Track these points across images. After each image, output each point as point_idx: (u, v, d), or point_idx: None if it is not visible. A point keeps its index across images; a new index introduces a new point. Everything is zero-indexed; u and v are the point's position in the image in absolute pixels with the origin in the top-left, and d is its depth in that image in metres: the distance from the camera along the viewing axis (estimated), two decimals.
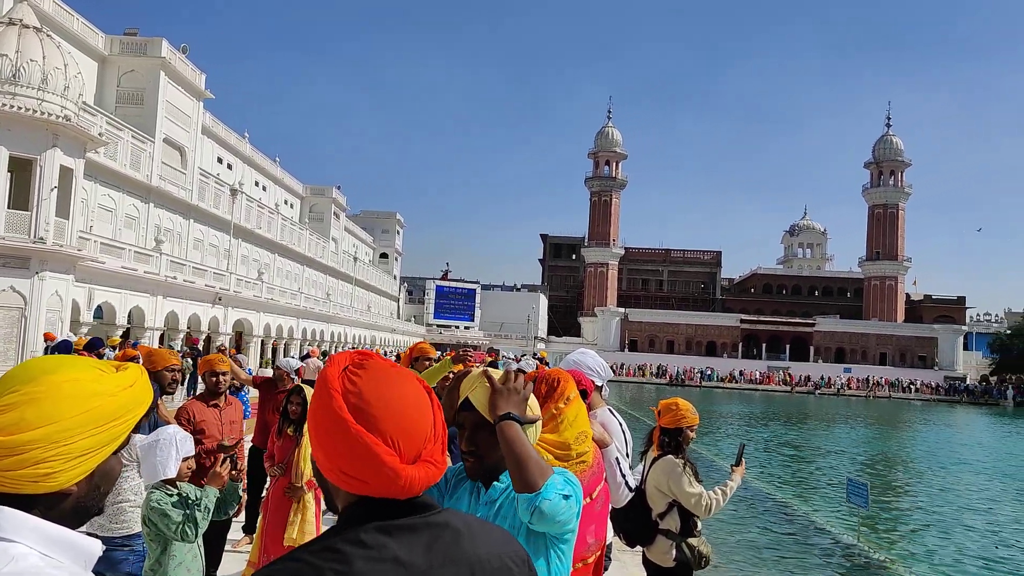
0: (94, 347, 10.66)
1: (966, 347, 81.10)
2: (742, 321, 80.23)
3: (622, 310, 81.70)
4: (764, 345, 78.19)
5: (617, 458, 3.32)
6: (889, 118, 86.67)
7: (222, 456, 3.82)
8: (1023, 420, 48.49)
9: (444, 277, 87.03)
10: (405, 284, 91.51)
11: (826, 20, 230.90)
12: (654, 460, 4.27)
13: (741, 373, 72.03)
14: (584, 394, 3.51)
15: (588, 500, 2.35)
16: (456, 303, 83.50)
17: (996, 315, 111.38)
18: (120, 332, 24.86)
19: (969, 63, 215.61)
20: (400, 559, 1.06)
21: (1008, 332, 78.46)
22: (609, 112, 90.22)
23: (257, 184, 53.72)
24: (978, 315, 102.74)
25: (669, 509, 4.21)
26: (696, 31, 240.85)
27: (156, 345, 25.33)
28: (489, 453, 1.80)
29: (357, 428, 1.11)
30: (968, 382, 72.65)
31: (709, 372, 72.11)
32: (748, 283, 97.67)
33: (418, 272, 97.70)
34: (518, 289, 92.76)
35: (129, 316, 26.29)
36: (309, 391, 5.38)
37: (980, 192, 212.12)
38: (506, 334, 79.07)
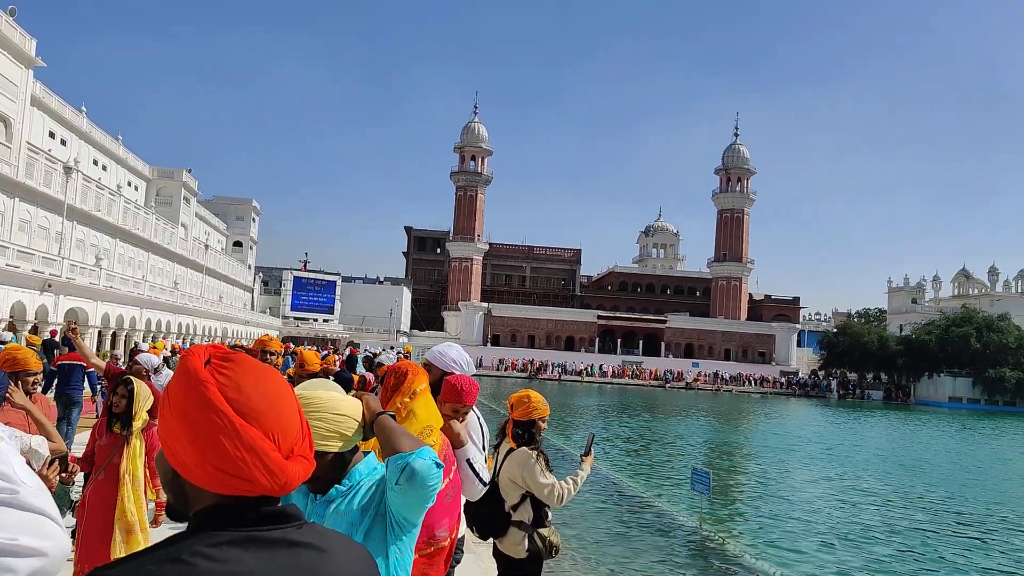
0: None
1: (799, 344, 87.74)
2: (599, 317, 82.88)
3: (486, 305, 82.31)
4: (619, 340, 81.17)
5: (469, 460, 3.31)
6: (737, 128, 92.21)
7: (48, 459, 3.40)
8: (844, 411, 53.02)
9: (303, 268, 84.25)
10: (261, 274, 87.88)
11: (685, 36, 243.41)
12: (508, 452, 4.28)
13: (600, 367, 74.43)
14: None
15: None
16: (315, 295, 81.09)
17: (825, 315, 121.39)
18: None
19: (806, 86, 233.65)
20: None
21: (834, 331, 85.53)
22: (475, 108, 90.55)
23: (96, 163, 49.84)
24: (810, 314, 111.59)
25: (522, 500, 4.24)
26: (554, 34, 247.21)
27: None
28: (323, 475, 1.76)
29: (240, 422, 1.05)
30: (800, 376, 78.61)
31: (568, 366, 73.99)
32: (606, 281, 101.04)
33: (275, 262, 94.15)
34: (381, 282, 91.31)
35: None
36: (139, 384, 4.94)
37: (814, 201, 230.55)
38: (368, 328, 77.69)
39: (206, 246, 64.74)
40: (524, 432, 4.28)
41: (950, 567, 11.04)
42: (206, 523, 1.05)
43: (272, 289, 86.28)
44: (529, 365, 73.25)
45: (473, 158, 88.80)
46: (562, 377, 70.92)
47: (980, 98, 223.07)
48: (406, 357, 12.96)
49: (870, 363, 76.05)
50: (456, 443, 3.19)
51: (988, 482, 20.80)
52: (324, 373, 8.14)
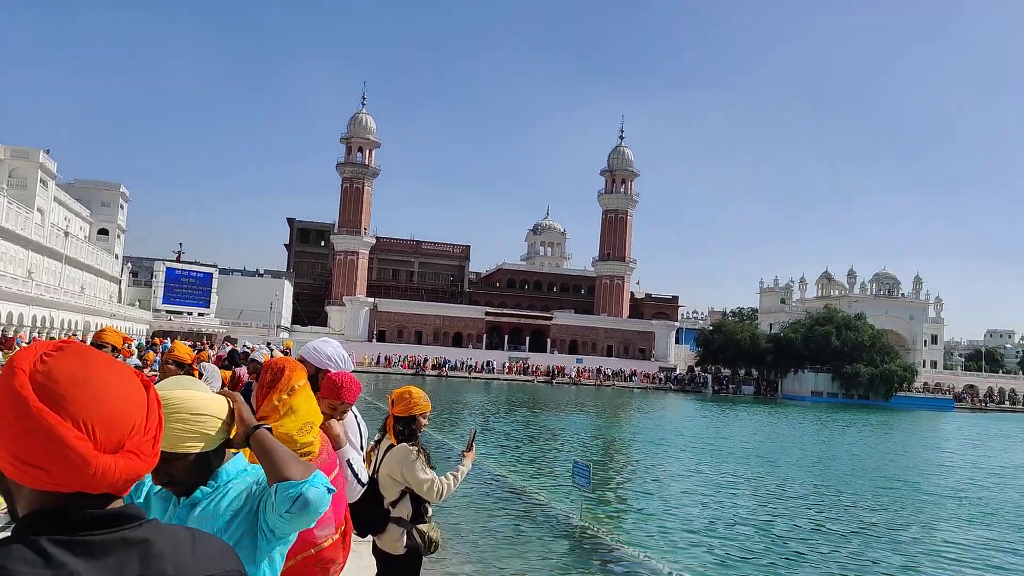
0: None
1: (678, 341, 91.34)
2: (487, 314, 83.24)
3: (372, 300, 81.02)
4: (507, 337, 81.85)
5: (349, 460, 3.25)
6: (623, 131, 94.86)
7: None
8: (718, 405, 55.66)
9: (177, 259, 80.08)
10: (129, 265, 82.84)
11: (573, 41, 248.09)
12: (388, 449, 4.22)
13: (489, 364, 74.73)
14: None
15: None
16: (189, 287, 77.20)
17: (702, 313, 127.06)
18: None
19: (686, 92, 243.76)
20: None
21: (710, 329, 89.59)
22: (363, 99, 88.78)
23: None
24: (688, 313, 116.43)
25: (401, 497, 4.19)
26: (443, 31, 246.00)
27: None
28: (185, 477, 1.69)
29: (39, 406, 0.98)
30: (678, 372, 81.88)
31: (456, 362, 73.91)
32: (494, 277, 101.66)
33: (147, 252, 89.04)
34: (261, 275, 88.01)
35: None
36: None
37: (694, 204, 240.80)
38: (246, 322, 74.76)
39: (66, 233, 60.36)
40: (404, 428, 4.23)
41: (809, 550, 11.71)
42: (29, 526, 0.98)
43: (143, 281, 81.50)
44: (416, 361, 72.73)
45: (360, 149, 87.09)
46: (449, 373, 70.77)
47: (839, 106, 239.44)
48: (285, 353, 12.48)
49: (742, 359, 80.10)
50: (335, 443, 3.11)
51: (839, 471, 22.28)
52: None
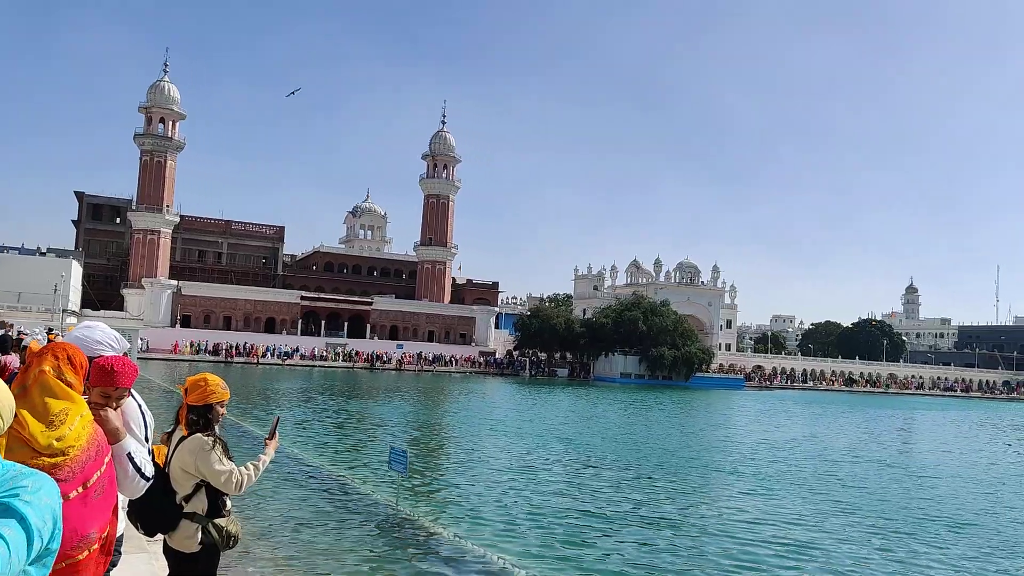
0: None
1: (497, 326, 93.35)
2: (303, 298, 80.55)
3: (175, 283, 75.64)
4: (324, 322, 79.67)
5: (130, 453, 3.00)
6: (444, 116, 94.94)
7: None
8: (534, 388, 57.51)
9: None
10: None
11: (393, 22, 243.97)
12: (180, 440, 4.00)
13: (300, 350, 72.29)
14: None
15: (82, 489, 2.14)
16: None
17: (521, 299, 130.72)
18: None
19: (507, 80, 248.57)
20: None
21: (528, 314, 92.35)
22: (166, 66, 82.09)
23: None
24: (507, 298, 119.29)
25: (196, 491, 3.98)
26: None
27: None
28: None
29: None
30: (497, 356, 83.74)
31: (269, 349, 70.97)
32: (310, 260, 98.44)
33: None
34: (43, 253, 79.19)
35: None
36: None
37: (515, 190, 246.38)
38: (25, 306, 67.00)
39: None
40: (199, 418, 4.02)
41: (622, 524, 12.29)
42: None
43: None
44: (224, 348, 68.95)
45: (163, 120, 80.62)
46: (260, 361, 67.76)
47: (645, 99, 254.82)
48: (50, 339, 11.22)
49: (558, 343, 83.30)
50: (113, 438, 2.85)
51: (644, 450, 23.75)
52: None
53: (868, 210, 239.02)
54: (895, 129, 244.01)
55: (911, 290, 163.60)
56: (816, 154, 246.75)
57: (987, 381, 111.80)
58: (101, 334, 3.33)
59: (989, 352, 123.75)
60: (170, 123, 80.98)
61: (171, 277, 77.96)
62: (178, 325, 72.61)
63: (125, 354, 3.32)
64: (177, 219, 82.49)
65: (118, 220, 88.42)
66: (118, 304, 78.29)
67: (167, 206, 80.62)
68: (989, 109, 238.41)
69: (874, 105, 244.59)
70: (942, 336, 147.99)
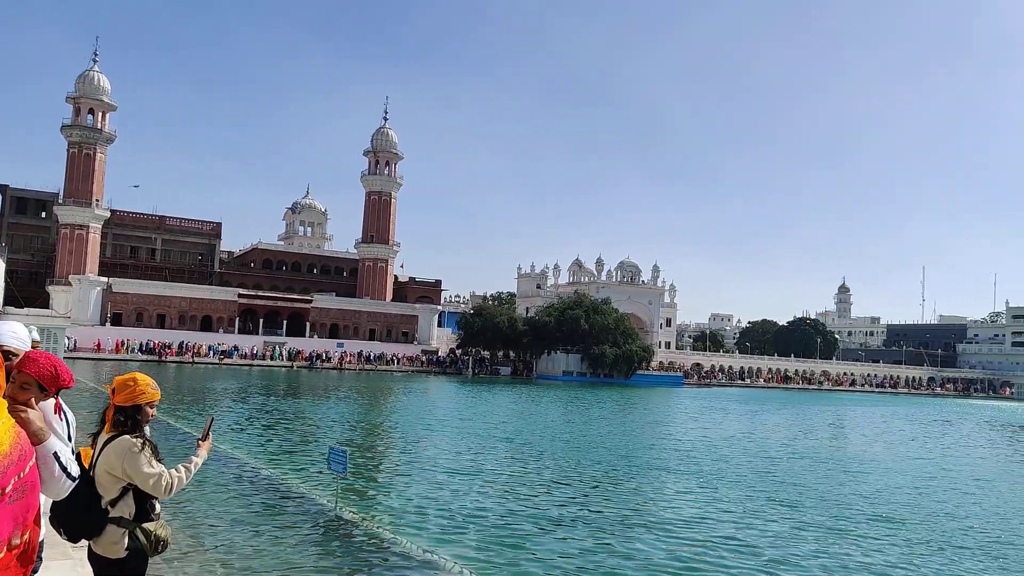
0: None
1: (440, 324, 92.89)
2: (241, 296, 78.77)
3: (105, 280, 73.08)
4: (262, 320, 78.09)
5: (56, 452, 2.92)
6: (387, 113, 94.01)
7: None
8: (477, 386, 57.49)
9: None
10: None
11: (335, 17, 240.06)
12: (106, 442, 3.87)
13: (238, 349, 70.72)
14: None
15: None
16: None
17: (464, 297, 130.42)
18: None
19: (453, 78, 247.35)
20: None
21: (471, 312, 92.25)
22: (95, 55, 79.07)
23: None
24: (451, 297, 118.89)
25: (123, 494, 3.85)
26: None
27: None
28: None
29: None
30: (440, 355, 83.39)
31: (205, 348, 69.21)
32: (248, 257, 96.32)
33: None
34: None
35: None
36: None
37: (458, 188, 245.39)
38: None
39: None
40: (127, 419, 3.88)
41: (565, 523, 12.35)
42: None
43: None
44: (157, 347, 66.97)
45: (92, 112, 77.69)
46: (196, 360, 66.02)
47: (587, 98, 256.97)
48: None
49: (501, 342, 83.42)
50: (35, 438, 2.77)
51: (585, 449, 23.96)
52: None
53: (804, 211, 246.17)
54: (831, 131, 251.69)
55: (843, 289, 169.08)
56: (754, 155, 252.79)
57: (913, 378, 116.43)
58: (6, 328, 3.22)
59: (915, 350, 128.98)
60: (100, 114, 78.13)
61: (101, 274, 75.29)
62: (108, 323, 70.22)
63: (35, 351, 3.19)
64: (107, 214, 79.66)
65: (44, 214, 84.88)
66: (43, 301, 75.20)
67: (96, 200, 77.77)
68: (918, 114, 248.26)
69: (810, 108, 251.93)
70: (872, 334, 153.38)
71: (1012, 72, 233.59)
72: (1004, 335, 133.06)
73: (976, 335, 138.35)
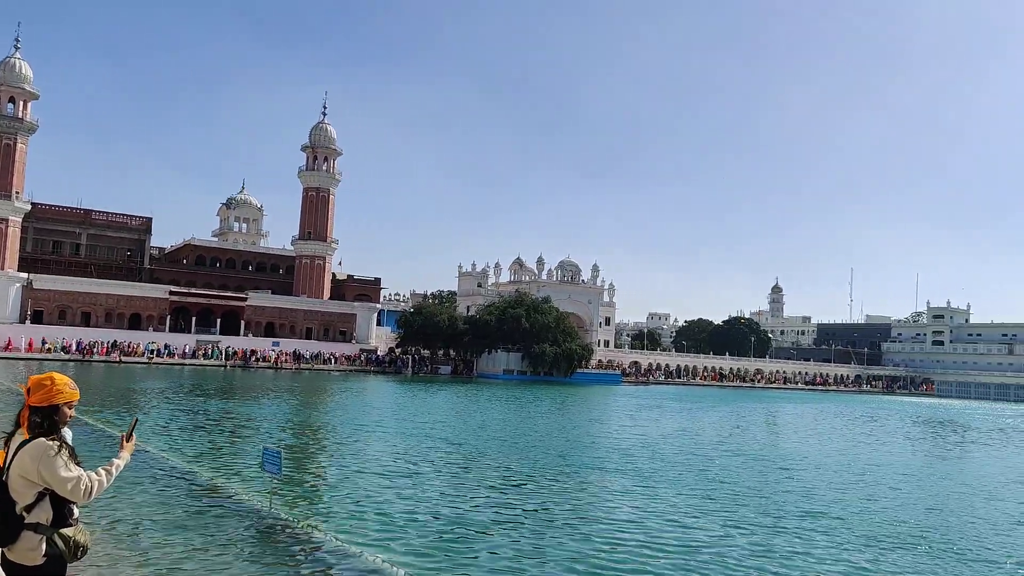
0: None
1: (379, 323, 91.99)
2: (172, 293, 76.46)
3: (25, 275, 70.00)
4: (194, 318, 75.98)
5: None
6: (325, 107, 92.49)
7: None
8: (417, 386, 57.07)
9: None
10: None
11: (268, 10, 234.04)
12: (21, 445, 3.76)
13: (169, 347, 68.62)
14: None
15: None
16: None
17: (404, 295, 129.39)
18: None
19: (390, 73, 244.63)
20: None
21: (411, 310, 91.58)
22: (16, 42, 75.55)
23: None
24: (390, 295, 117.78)
25: (39, 499, 3.74)
26: None
27: None
28: None
29: None
30: (379, 354, 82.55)
31: (132, 346, 66.95)
32: (180, 253, 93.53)
33: None
34: None
35: None
36: None
37: (399, 185, 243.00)
38: None
39: None
40: (44, 420, 3.78)
41: (503, 523, 12.34)
42: None
43: None
44: (81, 346, 64.49)
45: (12, 100, 74.26)
46: (124, 359, 63.80)
47: (532, 97, 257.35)
48: None
49: (442, 341, 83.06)
50: None
51: (524, 444, 24.04)
52: None
53: (738, 211, 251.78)
54: (768, 131, 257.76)
55: (776, 289, 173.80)
56: (688, 153, 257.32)
57: (841, 376, 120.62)
58: None
59: (843, 348, 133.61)
60: (21, 103, 74.70)
61: (21, 269, 72.06)
62: (28, 321, 67.30)
63: None
64: (28, 207, 76.23)
65: None
66: None
67: (16, 192, 74.32)
68: (854, 122, 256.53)
69: (744, 105, 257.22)
70: (803, 333, 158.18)
71: (943, 80, 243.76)
72: (925, 334, 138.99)
73: (899, 334, 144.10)
